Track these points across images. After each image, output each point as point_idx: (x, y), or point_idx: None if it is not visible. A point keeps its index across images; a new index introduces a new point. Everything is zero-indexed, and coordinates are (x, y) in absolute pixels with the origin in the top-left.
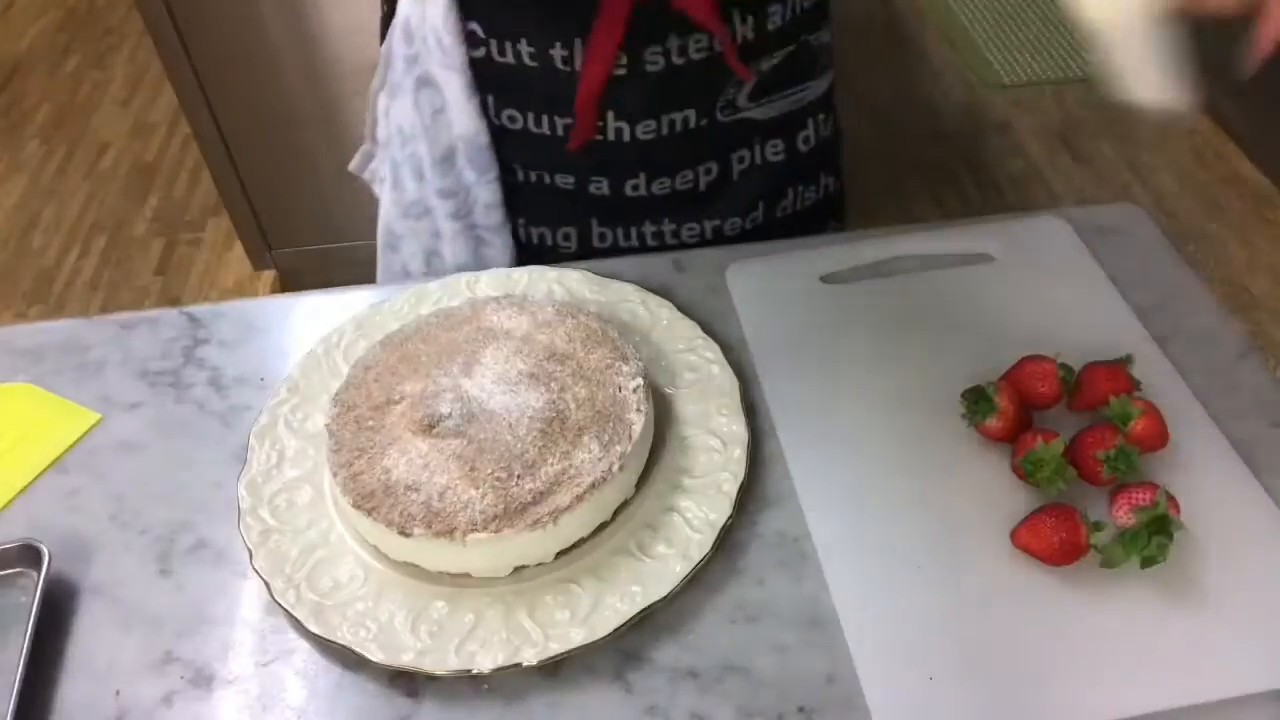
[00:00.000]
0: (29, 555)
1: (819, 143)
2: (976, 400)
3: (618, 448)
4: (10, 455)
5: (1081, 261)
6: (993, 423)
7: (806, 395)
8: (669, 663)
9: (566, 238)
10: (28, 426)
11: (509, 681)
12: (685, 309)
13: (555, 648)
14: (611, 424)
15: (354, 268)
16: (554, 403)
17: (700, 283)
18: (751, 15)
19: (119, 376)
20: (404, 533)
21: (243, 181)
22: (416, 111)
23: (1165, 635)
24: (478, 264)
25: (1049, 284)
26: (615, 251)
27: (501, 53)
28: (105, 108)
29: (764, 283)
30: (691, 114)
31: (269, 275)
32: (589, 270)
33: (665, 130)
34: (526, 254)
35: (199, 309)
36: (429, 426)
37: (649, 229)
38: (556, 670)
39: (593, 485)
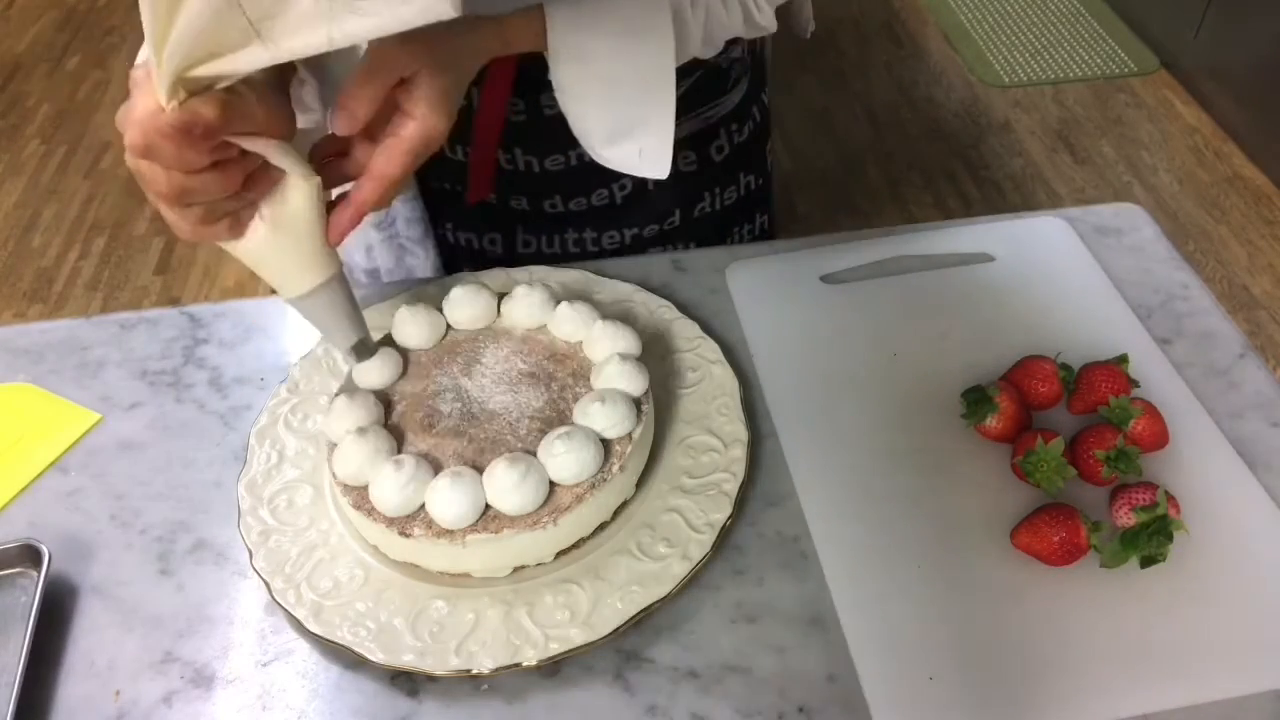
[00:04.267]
0: (29, 555)
1: (734, 149)
2: (976, 400)
3: (618, 448)
4: (10, 455)
5: (1081, 261)
6: (993, 423)
7: (806, 395)
8: (669, 663)
9: (493, 242)
10: (28, 426)
11: (509, 681)
12: (685, 309)
13: (555, 648)
14: None
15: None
16: (554, 402)
17: (700, 283)
18: None
19: (119, 376)
20: (404, 533)
21: None
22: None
23: (1165, 635)
24: (403, 271)
25: (1049, 284)
26: (538, 258)
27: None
28: (105, 108)
29: (764, 283)
30: None
31: None
32: (589, 270)
33: (574, 161)
34: (453, 258)
35: (199, 309)
36: (429, 426)
37: (571, 236)
38: (556, 670)
39: (593, 485)
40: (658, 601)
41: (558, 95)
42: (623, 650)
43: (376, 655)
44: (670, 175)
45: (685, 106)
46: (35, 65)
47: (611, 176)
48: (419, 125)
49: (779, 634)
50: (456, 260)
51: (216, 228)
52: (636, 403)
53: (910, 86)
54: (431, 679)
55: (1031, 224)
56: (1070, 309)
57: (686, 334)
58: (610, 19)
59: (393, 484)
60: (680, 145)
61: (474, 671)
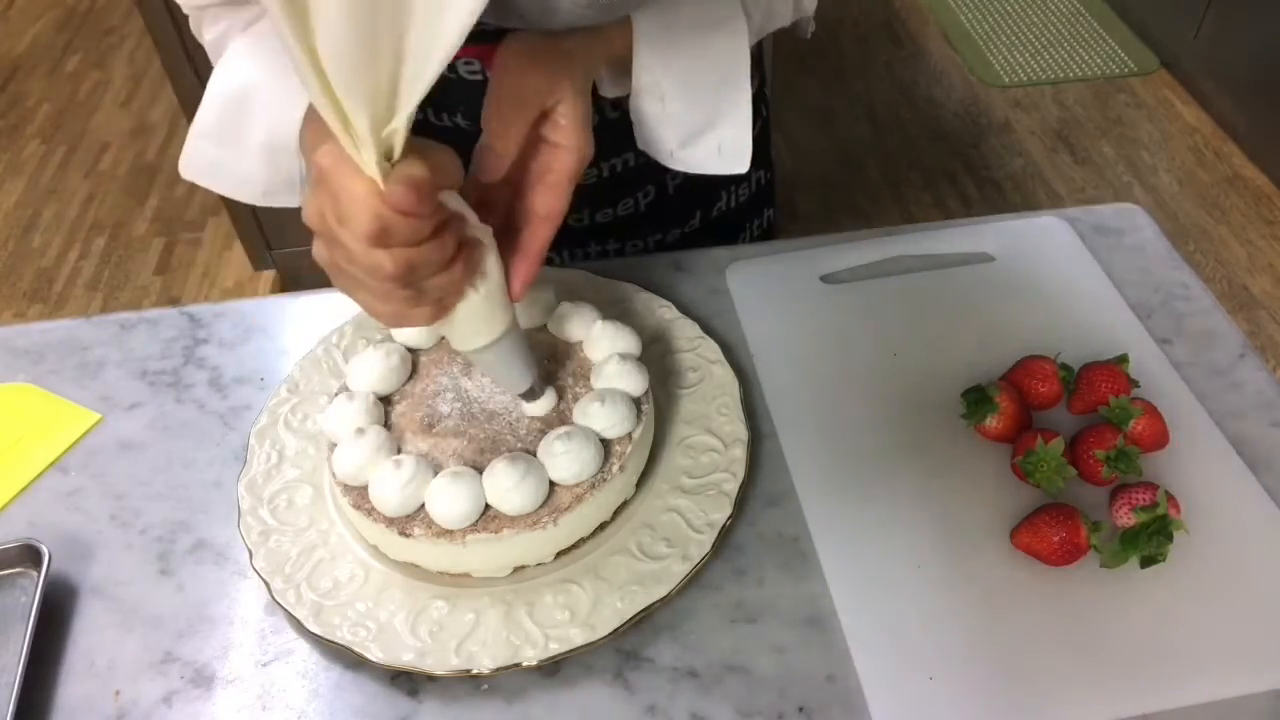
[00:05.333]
0: (29, 555)
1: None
2: (976, 400)
3: (618, 448)
4: (10, 455)
5: (1081, 261)
6: (992, 422)
7: (806, 395)
8: (669, 663)
9: None
10: (28, 426)
11: (509, 681)
12: (685, 309)
13: (555, 648)
14: None
15: None
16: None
17: (700, 283)
18: None
19: (119, 376)
20: (404, 533)
21: None
22: None
23: (1165, 635)
24: None
25: (1049, 284)
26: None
27: (439, 118)
28: (105, 108)
29: (764, 283)
30: (631, 155)
31: (269, 275)
32: (589, 270)
33: (606, 173)
34: None
35: (199, 309)
36: (429, 426)
37: (594, 249)
38: (556, 670)
39: (593, 485)
40: (658, 601)
41: (635, 101)
42: (623, 650)
43: (376, 655)
44: (690, 177)
45: None
46: (35, 65)
47: (637, 185)
48: (574, 155)
49: (779, 634)
50: None
51: (427, 309)
52: (636, 403)
53: (910, 86)
54: (431, 679)
55: (1031, 224)
56: (1070, 309)
57: (686, 334)
58: (688, 14)
59: (393, 484)
60: None
61: (474, 671)
